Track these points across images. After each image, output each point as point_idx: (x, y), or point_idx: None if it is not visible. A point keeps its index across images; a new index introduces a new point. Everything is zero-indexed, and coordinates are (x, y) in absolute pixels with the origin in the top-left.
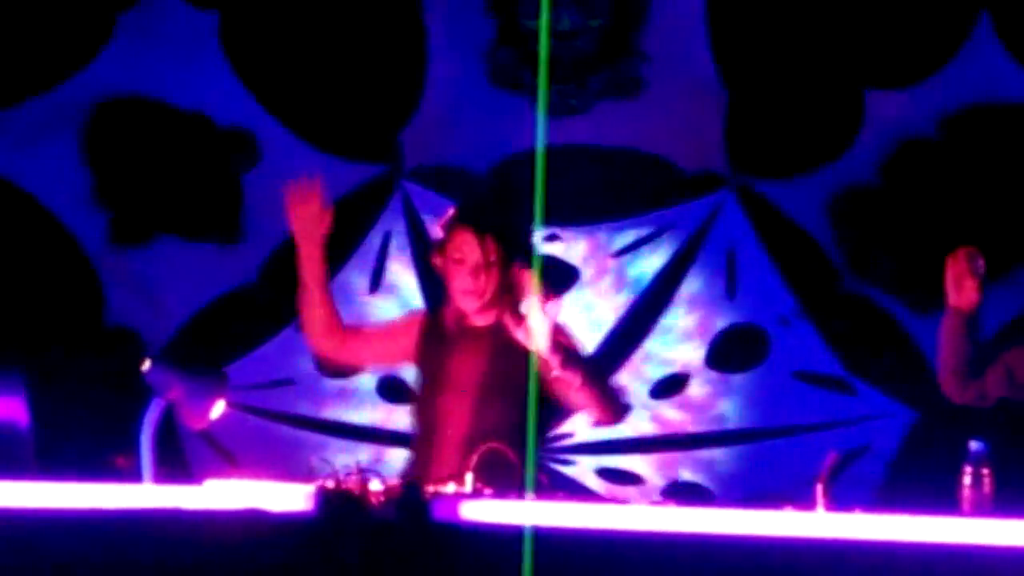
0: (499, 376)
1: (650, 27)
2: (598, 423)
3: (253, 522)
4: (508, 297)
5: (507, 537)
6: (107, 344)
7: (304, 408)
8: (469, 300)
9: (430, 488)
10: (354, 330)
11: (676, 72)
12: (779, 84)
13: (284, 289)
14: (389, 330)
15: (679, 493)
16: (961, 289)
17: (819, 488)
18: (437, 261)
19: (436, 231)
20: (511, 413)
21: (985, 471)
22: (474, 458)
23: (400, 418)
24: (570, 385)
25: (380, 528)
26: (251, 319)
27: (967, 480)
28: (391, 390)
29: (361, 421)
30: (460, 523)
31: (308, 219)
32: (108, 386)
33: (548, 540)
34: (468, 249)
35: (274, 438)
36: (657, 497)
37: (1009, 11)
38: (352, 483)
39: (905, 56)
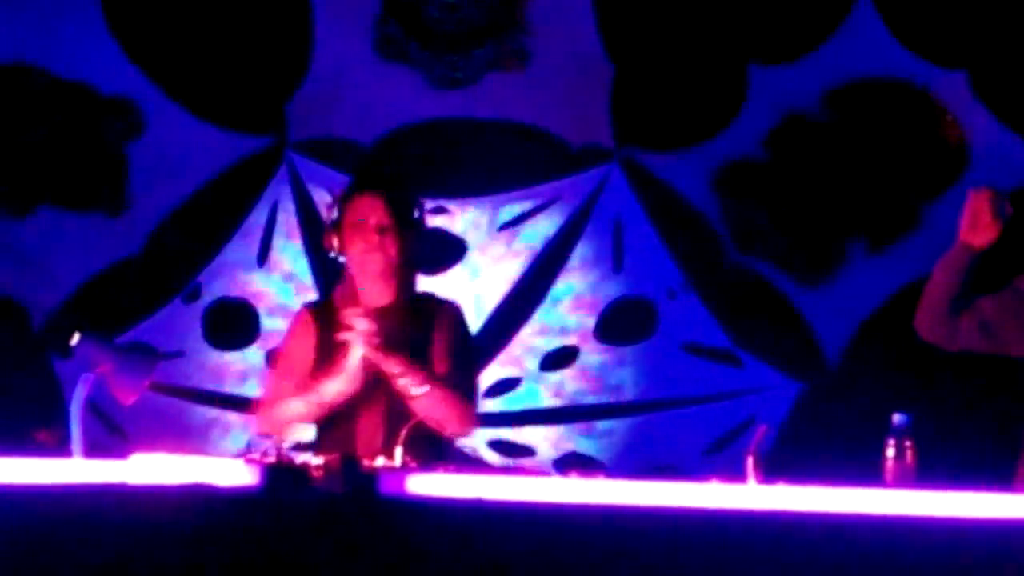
0: (405, 349)
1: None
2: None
3: (199, 497)
4: (402, 271)
5: (453, 511)
6: None
7: (193, 380)
8: (374, 260)
9: (367, 461)
10: (287, 396)
11: (562, 45)
12: (664, 57)
13: (171, 260)
14: (298, 353)
15: (571, 465)
16: (977, 226)
17: (749, 461)
18: (333, 240)
19: (327, 213)
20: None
21: (907, 443)
22: (404, 432)
23: None
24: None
25: (326, 502)
26: (138, 290)
27: (890, 452)
28: None
29: (251, 395)
30: (407, 497)
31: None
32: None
33: (488, 514)
34: (369, 210)
35: (165, 412)
36: (550, 470)
37: None
38: (287, 457)
39: (788, 30)
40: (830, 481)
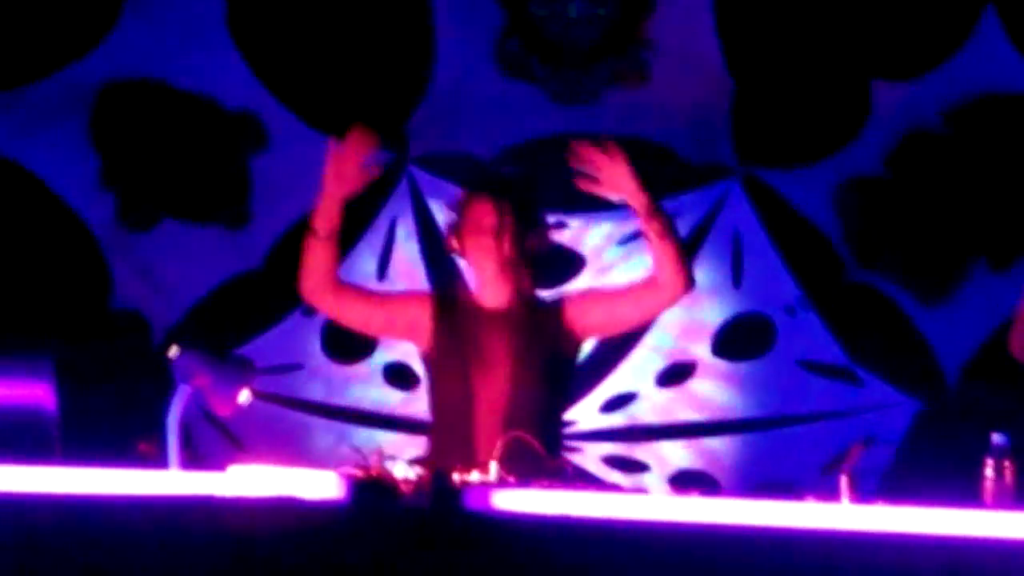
0: (527, 354)
1: (657, 15)
2: (670, 290)
3: (285, 510)
4: (524, 272)
5: (540, 527)
6: (114, 328)
7: (311, 393)
8: (489, 262)
9: (457, 477)
10: (355, 289)
11: (683, 61)
12: (785, 74)
13: (291, 274)
14: (397, 299)
15: (684, 482)
16: None
17: (844, 479)
18: (453, 242)
19: (449, 215)
20: (542, 391)
21: (1007, 463)
22: (499, 446)
23: (406, 405)
24: (657, 233)
25: (412, 516)
26: (258, 303)
27: (989, 472)
28: (397, 376)
29: (368, 407)
30: (493, 512)
31: (346, 170)
32: (117, 370)
33: (575, 530)
34: (484, 213)
35: (282, 423)
36: (664, 486)
37: (1015, 3)
38: (381, 471)
39: (911, 47)
40: (947, 502)
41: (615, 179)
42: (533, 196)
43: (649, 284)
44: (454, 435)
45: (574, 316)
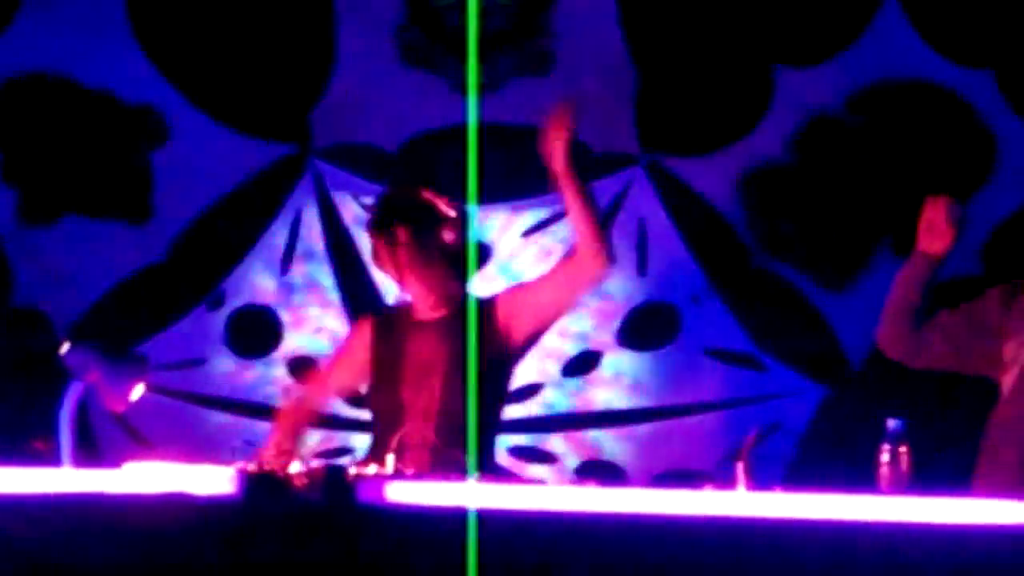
0: (461, 362)
1: (560, 5)
2: (591, 264)
3: (178, 506)
4: (445, 276)
5: (435, 518)
6: (16, 324)
7: (216, 388)
8: (401, 283)
9: (352, 470)
10: (336, 383)
11: (586, 50)
12: (688, 61)
13: (194, 268)
14: (348, 348)
15: (593, 472)
16: (934, 234)
17: (740, 467)
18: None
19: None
20: (477, 397)
21: (903, 448)
22: (395, 440)
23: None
24: (577, 201)
25: (305, 511)
26: (161, 298)
27: (885, 458)
28: (302, 369)
29: (273, 402)
30: (386, 505)
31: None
32: (18, 367)
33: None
34: (379, 247)
35: (186, 419)
36: (571, 476)
37: None
38: (274, 465)
39: (813, 33)
40: (850, 487)
41: (549, 141)
42: (427, 203)
43: (570, 262)
44: (387, 447)
45: (506, 314)
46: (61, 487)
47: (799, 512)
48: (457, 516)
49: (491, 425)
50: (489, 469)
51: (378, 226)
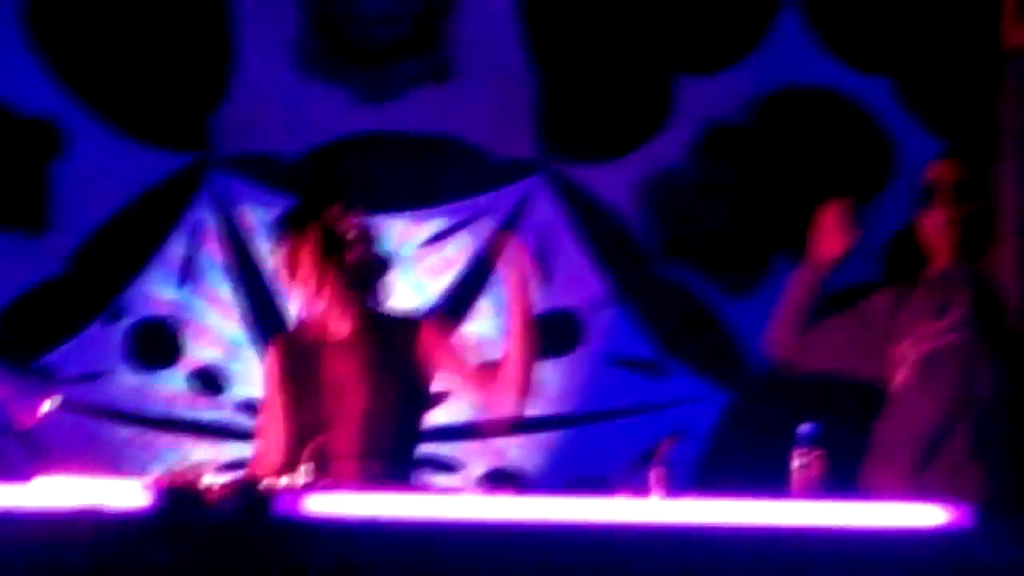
0: (379, 381)
1: (461, 13)
2: (501, 403)
3: (91, 520)
4: (358, 290)
5: (350, 530)
6: None
7: (115, 401)
8: (312, 300)
9: (266, 482)
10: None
11: (487, 57)
12: (588, 69)
13: (92, 281)
14: (270, 379)
15: (498, 480)
16: (827, 239)
17: (654, 473)
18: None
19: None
20: (397, 414)
21: (816, 453)
22: (307, 451)
23: (211, 411)
24: (523, 346)
25: (220, 524)
26: (60, 311)
27: (797, 463)
28: (204, 382)
29: (173, 414)
30: (302, 517)
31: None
32: None
33: (386, 532)
34: (293, 269)
35: (89, 433)
36: (476, 485)
37: None
38: (189, 479)
39: (713, 41)
40: (756, 492)
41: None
42: (334, 217)
43: (488, 382)
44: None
45: (426, 346)
46: None
47: (717, 518)
48: (373, 527)
49: (414, 437)
50: (411, 480)
51: (293, 235)
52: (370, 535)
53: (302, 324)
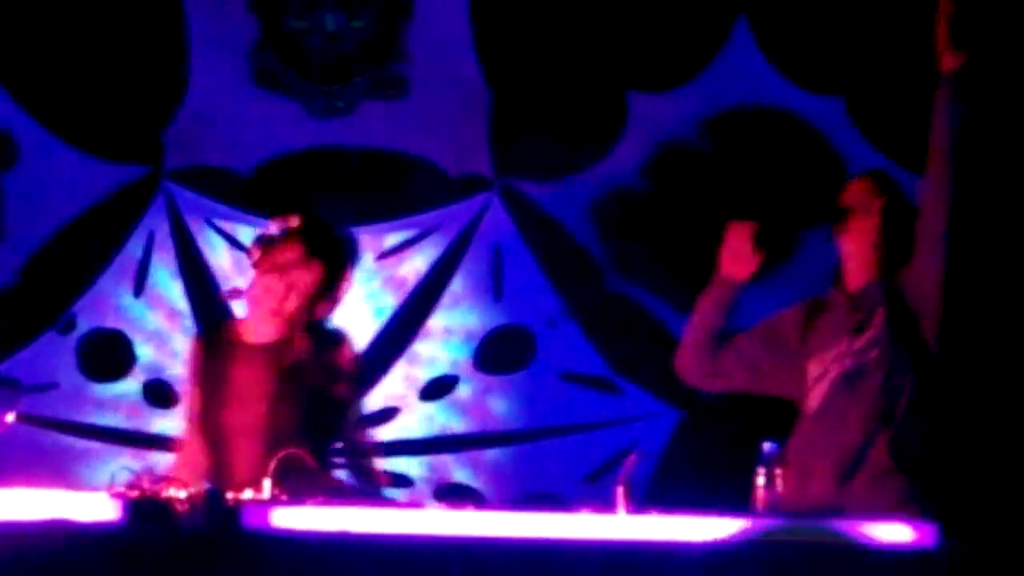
0: (286, 389)
1: (414, 28)
2: None
3: (58, 533)
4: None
5: (318, 544)
6: None
7: (68, 412)
8: (271, 299)
9: (230, 495)
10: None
11: (440, 73)
12: (543, 85)
13: (45, 291)
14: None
15: (450, 495)
16: (738, 260)
17: (620, 490)
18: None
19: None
20: (300, 421)
21: (778, 471)
22: (272, 464)
23: (166, 423)
24: None
25: (189, 536)
26: (11, 321)
27: (760, 480)
28: (157, 395)
29: (127, 426)
30: (270, 530)
31: None
32: None
33: (353, 546)
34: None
35: (38, 444)
36: (429, 500)
37: (766, 14)
38: (154, 490)
39: (667, 58)
40: (710, 509)
41: None
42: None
43: None
44: (217, 459)
45: (348, 371)
46: None
47: (682, 535)
48: (340, 541)
49: (324, 448)
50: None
51: (278, 243)
52: (337, 548)
53: (219, 325)
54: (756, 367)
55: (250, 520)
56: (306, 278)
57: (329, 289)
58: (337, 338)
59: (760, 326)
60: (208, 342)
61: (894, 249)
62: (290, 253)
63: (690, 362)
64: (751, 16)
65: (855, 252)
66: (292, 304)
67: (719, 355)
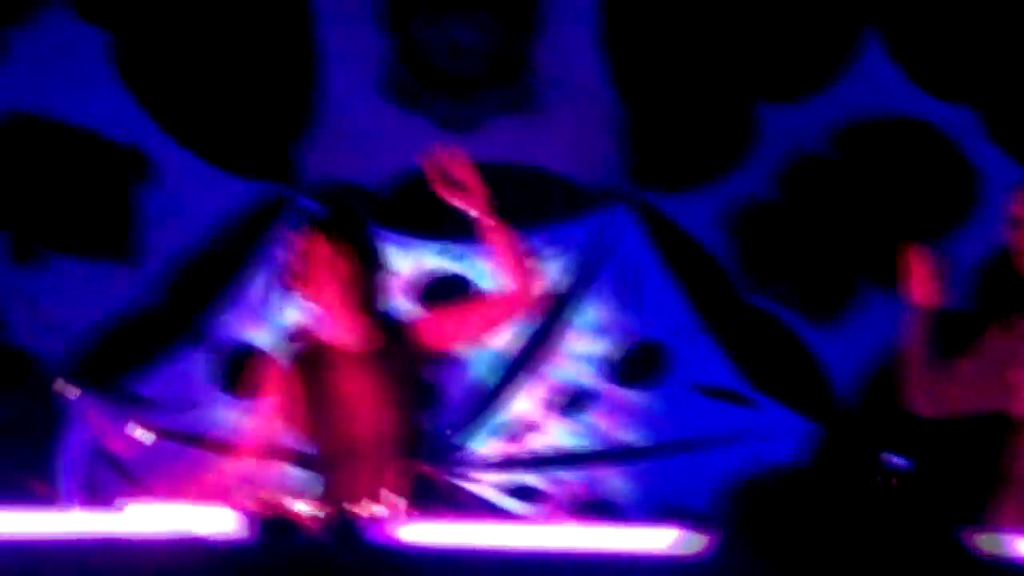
0: (392, 391)
1: (544, 43)
2: (515, 301)
3: (187, 548)
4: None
5: (444, 558)
6: (7, 366)
7: (205, 428)
8: (335, 300)
9: (358, 510)
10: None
11: (571, 87)
12: (673, 98)
13: (181, 307)
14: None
15: (587, 509)
16: (920, 288)
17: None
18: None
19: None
20: (410, 420)
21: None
22: (396, 479)
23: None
24: (504, 244)
25: (317, 552)
26: (149, 338)
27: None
28: None
29: None
30: (397, 545)
31: None
32: (9, 408)
33: (479, 560)
34: (323, 253)
35: (177, 459)
36: (564, 515)
37: (897, 25)
38: (282, 507)
39: (798, 69)
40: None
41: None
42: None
43: (499, 297)
44: (336, 472)
45: (430, 338)
46: (64, 529)
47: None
48: (468, 557)
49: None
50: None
51: (322, 246)
52: (465, 564)
53: (310, 343)
54: (978, 388)
55: (376, 536)
56: (346, 265)
57: (371, 267)
58: (405, 322)
59: (971, 349)
60: (304, 360)
61: None
62: (321, 250)
63: (919, 396)
64: (882, 27)
65: None
66: (352, 294)
67: (942, 387)
